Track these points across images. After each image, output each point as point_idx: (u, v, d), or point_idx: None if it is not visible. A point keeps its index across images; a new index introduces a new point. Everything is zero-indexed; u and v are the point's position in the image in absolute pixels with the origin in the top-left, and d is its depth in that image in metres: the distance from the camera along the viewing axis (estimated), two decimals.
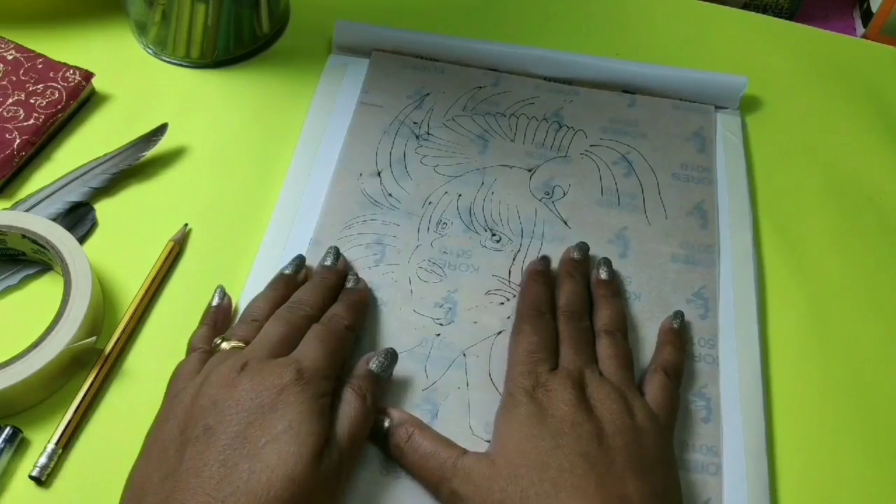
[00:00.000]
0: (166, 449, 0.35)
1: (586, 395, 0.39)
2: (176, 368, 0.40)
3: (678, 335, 0.45)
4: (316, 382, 0.36)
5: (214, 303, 0.44)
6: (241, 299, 0.45)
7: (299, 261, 0.46)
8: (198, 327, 0.43)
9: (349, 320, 0.42)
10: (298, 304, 0.42)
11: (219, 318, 0.44)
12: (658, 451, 0.38)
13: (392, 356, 0.41)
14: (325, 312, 0.42)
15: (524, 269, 0.47)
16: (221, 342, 0.40)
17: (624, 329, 0.44)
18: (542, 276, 0.46)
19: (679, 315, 0.46)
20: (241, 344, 0.40)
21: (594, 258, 0.48)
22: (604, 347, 0.43)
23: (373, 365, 0.40)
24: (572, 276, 0.46)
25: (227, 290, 0.45)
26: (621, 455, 0.37)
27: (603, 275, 0.47)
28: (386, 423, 0.40)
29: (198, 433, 0.34)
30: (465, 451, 0.39)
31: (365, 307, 0.45)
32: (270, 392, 0.35)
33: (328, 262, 0.46)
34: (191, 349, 0.42)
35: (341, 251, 0.47)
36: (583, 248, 0.48)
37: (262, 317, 0.42)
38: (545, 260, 0.47)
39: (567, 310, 0.44)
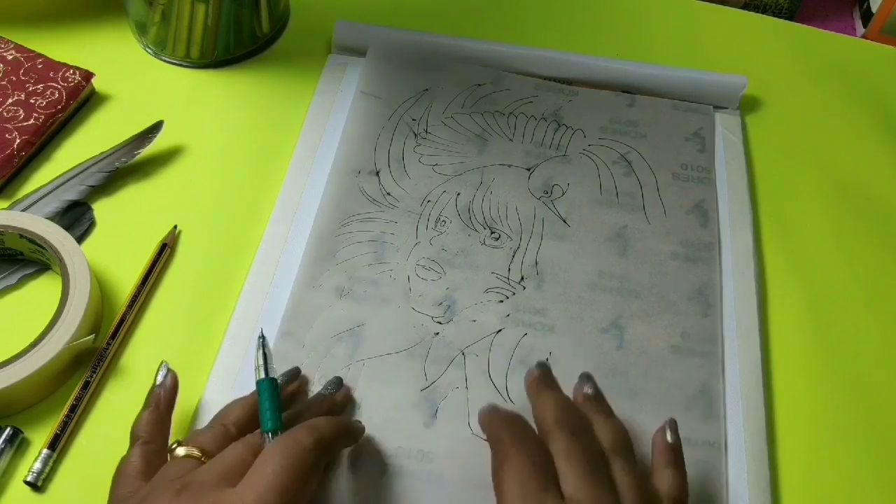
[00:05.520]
0: None
1: None
2: (119, 464, 0.36)
3: (677, 452, 0.38)
4: None
5: (158, 381, 0.40)
6: (241, 300, 0.45)
7: (293, 371, 0.42)
8: (142, 409, 0.39)
9: (314, 436, 0.34)
10: None
11: (162, 399, 0.39)
12: None
13: None
14: None
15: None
16: (177, 446, 0.36)
17: (632, 449, 0.37)
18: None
19: (673, 426, 0.39)
20: (197, 453, 0.35)
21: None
22: (619, 475, 0.35)
23: None
24: (549, 387, 0.39)
25: (227, 290, 0.45)
26: None
27: (589, 390, 0.40)
28: None
29: None
30: None
31: (340, 422, 0.38)
32: None
33: (326, 391, 0.41)
34: (133, 438, 0.37)
35: (339, 250, 0.46)
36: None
37: (233, 423, 0.37)
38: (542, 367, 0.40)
39: (566, 424, 0.36)
